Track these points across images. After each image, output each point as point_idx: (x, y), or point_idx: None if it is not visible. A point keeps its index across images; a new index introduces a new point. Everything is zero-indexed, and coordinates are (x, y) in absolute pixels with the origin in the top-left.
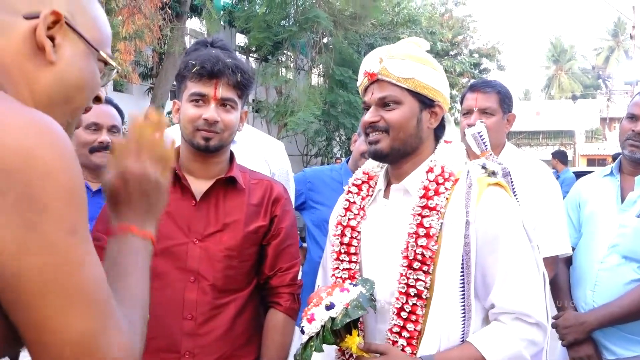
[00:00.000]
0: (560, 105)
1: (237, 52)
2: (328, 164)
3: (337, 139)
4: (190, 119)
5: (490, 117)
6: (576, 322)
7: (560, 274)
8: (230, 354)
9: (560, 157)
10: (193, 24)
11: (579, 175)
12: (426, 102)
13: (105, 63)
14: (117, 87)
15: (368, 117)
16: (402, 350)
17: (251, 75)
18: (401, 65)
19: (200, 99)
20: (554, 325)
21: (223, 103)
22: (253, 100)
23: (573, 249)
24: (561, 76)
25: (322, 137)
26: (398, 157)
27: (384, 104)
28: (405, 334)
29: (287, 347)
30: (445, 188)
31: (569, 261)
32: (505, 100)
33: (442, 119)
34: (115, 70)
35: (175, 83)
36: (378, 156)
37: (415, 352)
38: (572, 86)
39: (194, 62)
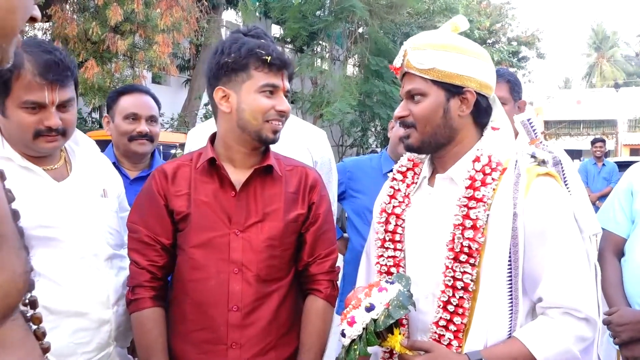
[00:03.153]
0: (602, 94)
1: None
2: (363, 155)
3: (373, 129)
4: (263, 110)
5: (502, 106)
6: (634, 319)
7: (610, 267)
8: (275, 342)
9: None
10: (229, 15)
11: (621, 165)
12: (453, 90)
13: None
14: (156, 80)
15: (397, 111)
16: (449, 344)
17: None
18: (421, 56)
19: (271, 90)
20: (606, 322)
21: (285, 94)
22: (288, 91)
23: (625, 240)
24: (603, 64)
25: (358, 127)
26: (431, 149)
27: (411, 96)
28: (452, 327)
29: (327, 334)
30: (493, 178)
31: (619, 253)
32: (515, 88)
33: (479, 104)
34: None
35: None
36: (410, 150)
37: (461, 345)
38: (615, 74)
39: (262, 51)
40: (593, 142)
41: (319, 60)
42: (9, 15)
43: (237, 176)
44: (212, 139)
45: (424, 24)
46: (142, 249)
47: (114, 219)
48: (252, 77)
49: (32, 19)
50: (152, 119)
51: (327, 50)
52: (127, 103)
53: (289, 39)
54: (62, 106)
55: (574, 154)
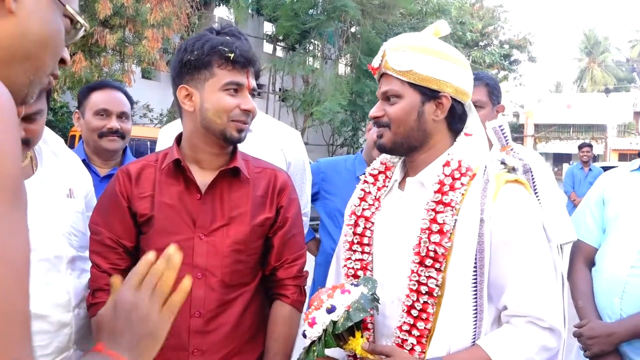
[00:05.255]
0: (593, 99)
1: (264, 41)
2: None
3: (363, 129)
4: (227, 109)
5: (480, 109)
6: (604, 332)
7: (581, 278)
8: (238, 349)
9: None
10: (221, 12)
11: (607, 170)
12: (428, 94)
13: (72, 20)
14: (145, 75)
15: (372, 111)
16: (412, 349)
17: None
18: (400, 58)
19: (235, 89)
20: (577, 335)
21: (250, 92)
22: (280, 89)
23: (596, 249)
24: (594, 69)
25: (348, 127)
26: (403, 150)
27: (387, 97)
28: (415, 332)
29: (293, 339)
30: (462, 183)
31: (590, 263)
32: (493, 92)
33: (454, 110)
34: (83, 29)
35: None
36: (382, 150)
37: (425, 350)
38: (605, 79)
39: (226, 49)
40: (580, 147)
41: (310, 59)
42: (40, 50)
43: (203, 178)
44: (179, 139)
45: (417, 24)
46: (103, 251)
47: (80, 220)
48: (215, 75)
49: (62, 61)
50: (123, 116)
51: (318, 49)
52: (97, 99)
53: (280, 37)
54: (29, 118)
55: (564, 158)
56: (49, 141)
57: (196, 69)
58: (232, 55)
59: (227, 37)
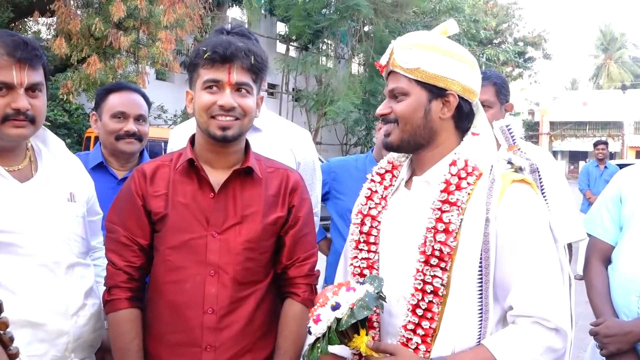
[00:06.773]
0: (609, 96)
1: (277, 41)
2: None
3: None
4: (205, 107)
5: (488, 109)
6: (621, 331)
7: (597, 276)
8: (251, 346)
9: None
10: (234, 12)
11: (623, 167)
12: (435, 92)
13: None
14: (159, 76)
15: (379, 109)
16: (417, 348)
17: (265, 58)
18: (407, 55)
19: (214, 86)
20: (592, 333)
21: (238, 88)
22: (293, 89)
23: (612, 247)
24: (610, 65)
25: (362, 126)
26: (410, 148)
27: (394, 95)
28: (420, 331)
29: (304, 338)
30: (468, 183)
31: (606, 261)
32: (501, 90)
33: (462, 109)
34: None
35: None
36: (389, 148)
37: (429, 349)
38: (622, 76)
39: (205, 48)
40: (595, 145)
41: (323, 59)
42: None
43: (217, 177)
44: (193, 139)
45: (430, 23)
46: (119, 249)
47: (80, 225)
48: (200, 75)
49: None
50: (140, 118)
51: (331, 48)
52: (115, 101)
53: (293, 37)
54: (31, 90)
55: (580, 156)
56: (50, 143)
57: (191, 73)
58: (206, 54)
59: (223, 37)
